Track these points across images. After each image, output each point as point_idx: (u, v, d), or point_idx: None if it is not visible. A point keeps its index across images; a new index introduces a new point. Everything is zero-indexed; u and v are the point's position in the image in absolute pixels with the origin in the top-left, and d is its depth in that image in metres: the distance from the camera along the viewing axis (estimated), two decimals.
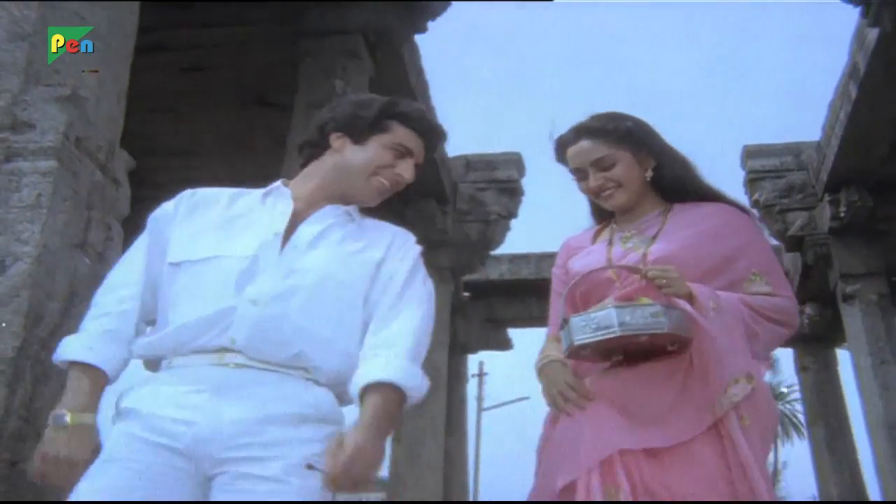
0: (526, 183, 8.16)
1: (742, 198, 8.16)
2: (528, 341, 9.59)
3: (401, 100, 1.58)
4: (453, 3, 5.66)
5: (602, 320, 1.50)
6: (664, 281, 1.54)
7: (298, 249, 1.44)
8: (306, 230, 1.47)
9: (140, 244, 1.52)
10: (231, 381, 1.34)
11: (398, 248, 1.53)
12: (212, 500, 1.30)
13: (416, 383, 1.37)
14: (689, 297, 1.54)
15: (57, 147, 2.12)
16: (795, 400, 35.23)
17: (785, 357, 14.61)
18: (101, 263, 2.19)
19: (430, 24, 5.56)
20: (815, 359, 9.64)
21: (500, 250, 8.55)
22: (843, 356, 9.28)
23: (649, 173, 1.75)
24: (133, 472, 1.28)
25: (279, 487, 1.28)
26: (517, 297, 9.88)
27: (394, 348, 1.38)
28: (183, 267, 1.43)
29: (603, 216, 1.88)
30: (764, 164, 7.88)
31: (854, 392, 7.57)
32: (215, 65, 5.85)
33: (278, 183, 1.58)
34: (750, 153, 8.01)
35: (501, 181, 8.04)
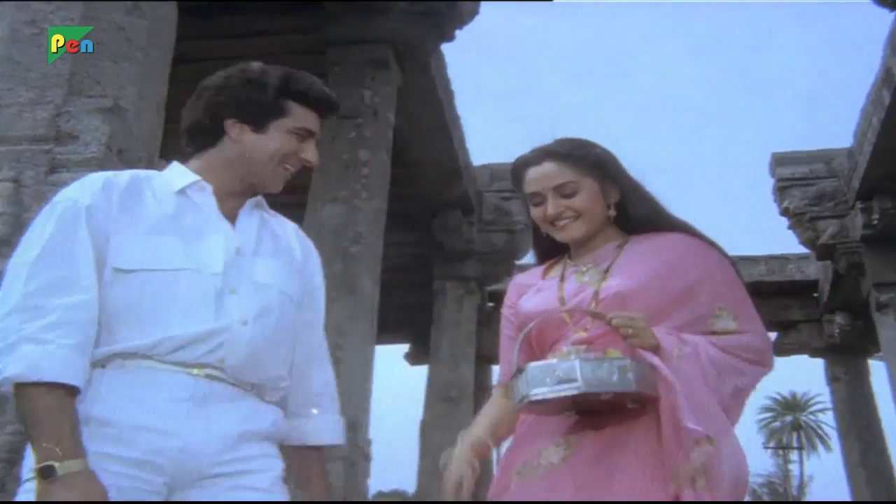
0: None
1: (771, 206, 8.15)
2: None
3: (294, 74, 1.47)
4: (480, 11, 5.65)
5: (565, 373, 1.35)
6: (630, 331, 1.41)
7: (246, 259, 1.39)
8: (244, 237, 1.41)
9: (75, 236, 1.29)
10: (211, 395, 1.29)
11: (311, 256, 1.55)
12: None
13: (344, 439, 1.53)
14: (655, 348, 1.41)
15: (100, 158, 2.11)
16: (820, 411, 34.82)
17: (811, 367, 14.39)
18: None
19: (458, 33, 5.54)
20: (846, 369, 9.47)
21: (525, 259, 8.49)
22: (876, 367, 9.12)
23: (612, 211, 1.63)
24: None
25: (270, 497, 1.30)
26: None
27: (332, 405, 1.51)
28: (138, 276, 1.30)
29: (547, 255, 1.74)
30: (793, 172, 7.76)
31: (889, 403, 7.42)
32: None
33: (187, 172, 1.45)
34: (779, 161, 7.91)
35: None
